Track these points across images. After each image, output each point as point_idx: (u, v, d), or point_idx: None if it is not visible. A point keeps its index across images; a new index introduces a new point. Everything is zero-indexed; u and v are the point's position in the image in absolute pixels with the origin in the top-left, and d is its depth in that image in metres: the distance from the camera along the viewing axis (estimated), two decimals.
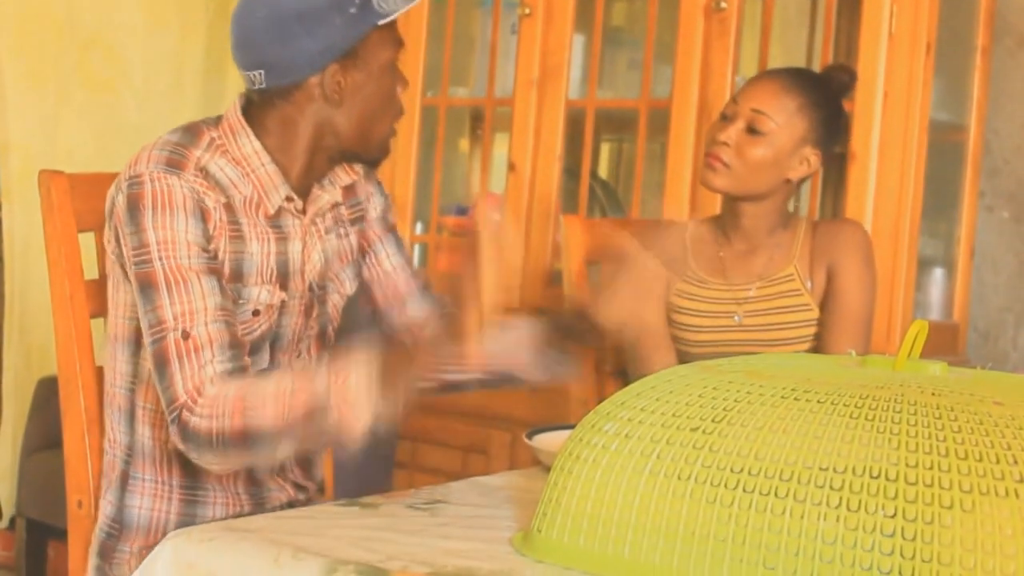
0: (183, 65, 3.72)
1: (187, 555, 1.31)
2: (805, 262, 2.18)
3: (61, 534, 2.28)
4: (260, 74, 1.72)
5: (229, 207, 1.70)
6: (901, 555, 1.08)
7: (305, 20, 1.68)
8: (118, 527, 1.76)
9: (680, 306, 2.20)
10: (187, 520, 1.75)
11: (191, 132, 1.73)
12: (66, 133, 3.47)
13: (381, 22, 1.72)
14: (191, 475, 1.75)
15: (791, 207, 2.23)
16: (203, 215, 1.66)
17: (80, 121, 3.50)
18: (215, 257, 1.66)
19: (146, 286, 1.63)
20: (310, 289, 1.81)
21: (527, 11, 3.04)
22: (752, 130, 2.11)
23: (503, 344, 1.81)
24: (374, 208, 1.94)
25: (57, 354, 1.81)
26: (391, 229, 1.96)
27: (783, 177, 2.14)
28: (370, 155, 1.82)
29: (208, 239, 1.65)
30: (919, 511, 1.08)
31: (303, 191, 1.79)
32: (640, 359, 2.20)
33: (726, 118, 2.16)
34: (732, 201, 2.20)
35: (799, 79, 2.17)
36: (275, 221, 1.75)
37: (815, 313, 2.16)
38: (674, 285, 2.22)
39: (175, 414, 1.58)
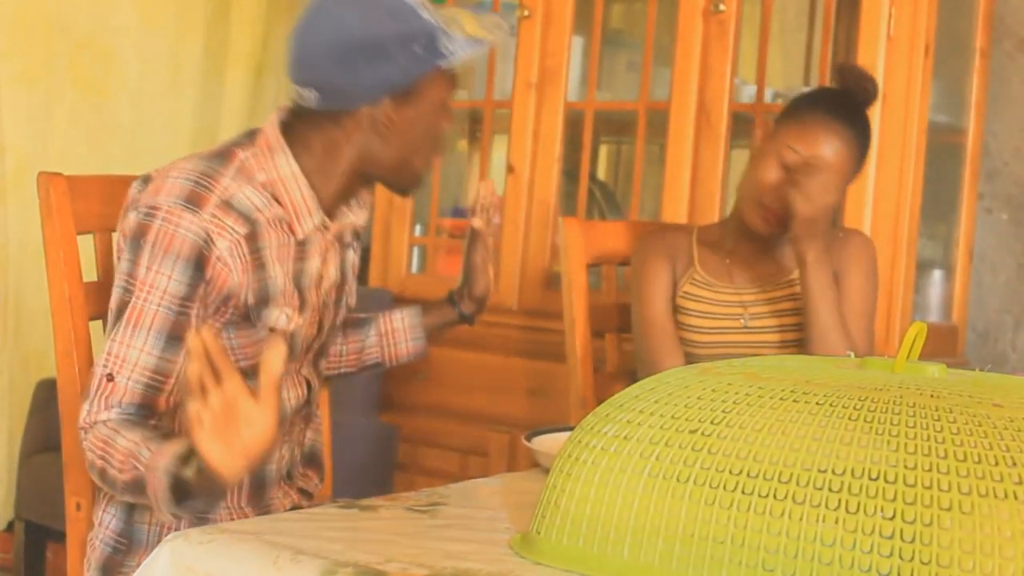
0: (179, 67, 3.72)
1: (186, 557, 1.31)
2: None
3: (60, 536, 2.28)
4: (313, 94, 1.70)
5: (251, 236, 1.68)
6: (900, 557, 1.08)
7: (369, 51, 1.67)
8: (126, 542, 1.74)
9: (687, 307, 2.21)
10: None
11: (222, 157, 1.71)
12: (59, 135, 3.46)
13: (444, 65, 1.70)
14: None
15: None
16: (202, 261, 1.64)
17: (73, 122, 3.50)
18: (186, 312, 1.65)
19: (114, 311, 1.66)
20: (324, 302, 1.82)
21: (526, 13, 3.04)
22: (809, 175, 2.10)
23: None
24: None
25: (56, 356, 1.81)
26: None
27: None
28: (403, 185, 1.82)
29: (196, 287, 1.65)
30: (918, 513, 1.08)
31: (331, 211, 1.78)
32: (649, 359, 2.21)
33: (785, 166, 2.11)
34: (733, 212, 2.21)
35: (847, 119, 2.13)
36: (301, 240, 1.75)
37: None
38: (681, 287, 2.22)
39: (81, 432, 1.64)
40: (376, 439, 3.17)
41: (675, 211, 2.84)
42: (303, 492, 1.88)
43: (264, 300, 1.70)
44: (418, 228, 3.35)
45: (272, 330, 1.72)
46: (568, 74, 3.04)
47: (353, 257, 1.89)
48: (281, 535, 1.32)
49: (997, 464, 1.09)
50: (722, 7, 2.80)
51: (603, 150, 3.67)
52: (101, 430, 1.61)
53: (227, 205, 1.66)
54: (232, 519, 1.77)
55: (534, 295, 3.04)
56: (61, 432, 1.82)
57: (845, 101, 2.17)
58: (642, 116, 2.96)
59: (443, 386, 3.17)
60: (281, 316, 1.72)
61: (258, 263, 1.69)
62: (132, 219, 1.66)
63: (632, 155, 3.11)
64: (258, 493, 1.80)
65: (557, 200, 3.06)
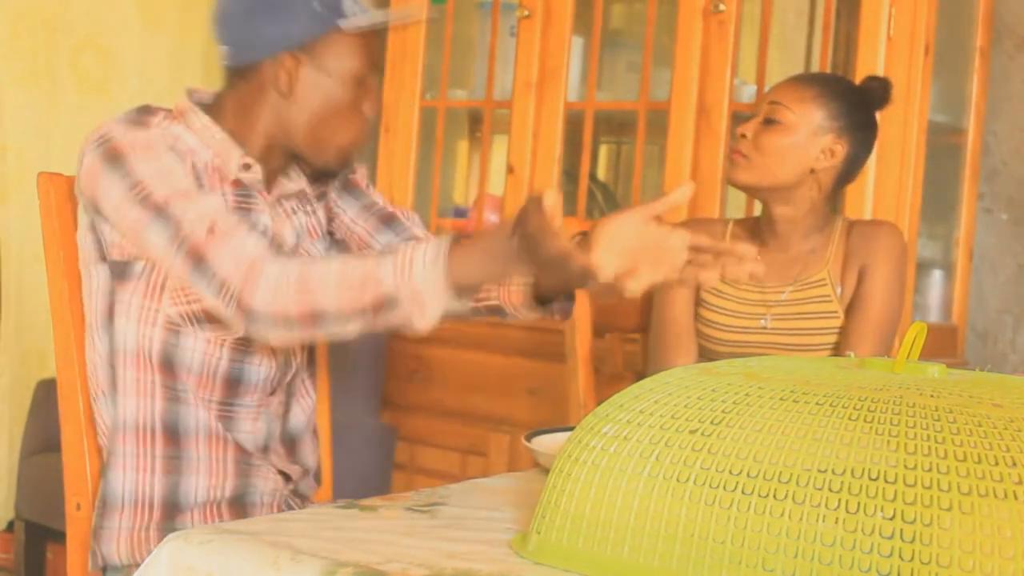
0: (181, 67, 3.72)
1: (185, 557, 1.31)
2: (838, 266, 2.18)
3: (60, 537, 2.28)
4: (226, 50, 1.76)
5: (193, 170, 1.71)
6: (900, 557, 1.08)
7: (272, 4, 1.71)
8: (100, 505, 1.75)
9: (709, 303, 2.21)
10: (171, 493, 1.74)
11: (143, 109, 1.75)
12: (61, 135, 3.47)
13: (343, 24, 1.72)
14: (174, 443, 1.74)
15: (832, 209, 2.23)
16: (180, 156, 1.68)
17: (75, 123, 3.50)
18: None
19: (155, 211, 1.63)
20: None
21: (526, 13, 3.04)
22: (769, 121, 2.13)
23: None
24: (337, 180, 1.93)
25: (55, 356, 1.81)
26: (348, 185, 1.94)
27: (806, 167, 2.13)
28: (322, 162, 1.80)
29: (195, 177, 1.68)
30: (918, 513, 1.08)
31: (267, 178, 1.79)
32: (659, 354, 2.20)
33: (749, 117, 2.18)
34: (766, 203, 2.20)
35: (820, 76, 2.20)
36: (240, 191, 1.76)
37: (841, 321, 2.15)
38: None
39: (231, 297, 1.59)
40: (376, 439, 3.17)
41: (675, 211, 2.84)
42: (284, 476, 1.86)
43: None
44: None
45: None
46: (568, 74, 3.04)
47: (306, 220, 1.87)
48: (281, 535, 1.32)
49: (997, 464, 1.09)
50: (722, 7, 2.80)
51: (603, 150, 3.67)
52: (284, 271, 1.57)
53: (167, 134, 1.71)
54: (211, 471, 1.76)
55: None
56: (61, 432, 1.82)
57: (833, 75, 2.21)
58: (642, 116, 2.96)
59: (443, 386, 3.17)
60: None
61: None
62: (89, 160, 1.68)
63: (632, 155, 3.11)
64: (243, 454, 1.79)
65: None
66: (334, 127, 1.76)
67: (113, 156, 1.65)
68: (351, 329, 1.59)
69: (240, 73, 1.76)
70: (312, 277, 1.57)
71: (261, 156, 1.78)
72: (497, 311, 1.85)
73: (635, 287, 1.49)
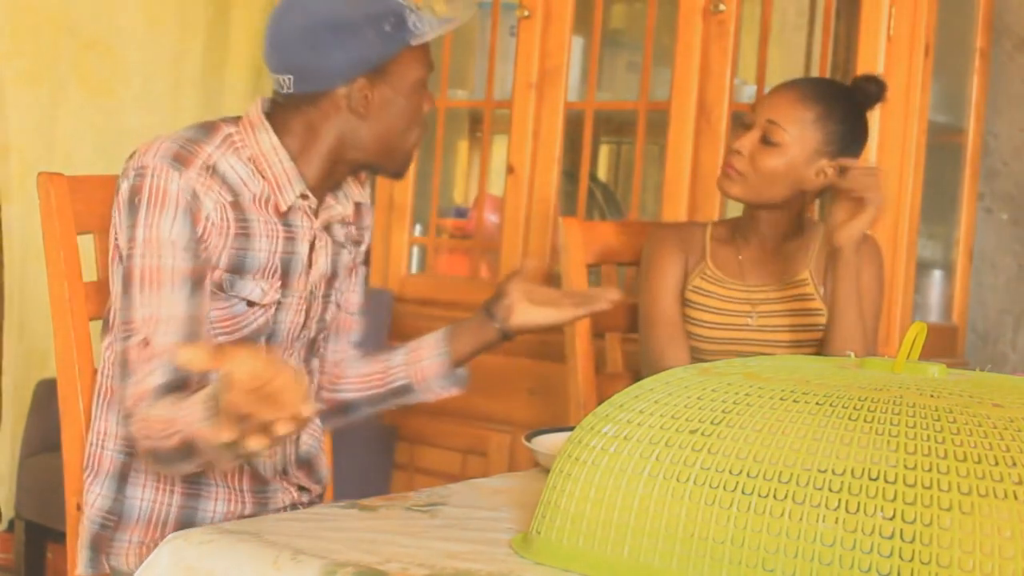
0: (182, 67, 3.72)
1: (186, 557, 1.31)
2: (820, 267, 2.20)
3: (60, 536, 2.29)
4: (289, 79, 1.73)
5: (236, 205, 1.71)
6: (900, 557, 1.08)
7: (339, 31, 1.70)
8: (115, 518, 1.76)
9: (696, 302, 2.21)
10: (188, 513, 1.76)
11: (206, 128, 1.75)
12: (64, 135, 3.47)
13: (414, 42, 1.74)
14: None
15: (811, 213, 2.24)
16: (195, 216, 1.67)
17: (79, 123, 3.50)
18: (199, 256, 1.67)
19: (126, 282, 1.66)
20: (312, 292, 1.82)
21: (526, 13, 3.04)
22: (766, 140, 2.12)
23: (415, 357, 1.96)
24: (367, 240, 1.96)
25: (56, 356, 1.81)
26: (366, 263, 1.98)
27: (798, 188, 2.15)
28: (392, 168, 1.84)
29: (196, 240, 1.67)
30: (918, 513, 1.09)
31: (318, 197, 1.80)
32: (653, 350, 2.21)
33: (746, 126, 2.17)
34: (750, 207, 2.21)
35: (818, 90, 2.16)
36: (287, 219, 1.76)
37: (825, 318, 2.16)
38: (691, 280, 2.22)
39: (127, 418, 1.64)
40: (376, 439, 3.17)
41: (675, 211, 2.84)
42: (300, 488, 1.89)
43: (239, 270, 1.72)
44: (418, 228, 3.35)
45: (250, 304, 1.73)
46: (568, 74, 3.04)
47: (348, 259, 1.90)
48: (281, 535, 1.32)
49: (997, 464, 1.09)
50: (722, 7, 2.80)
51: (603, 150, 3.67)
52: (151, 412, 1.61)
53: (212, 170, 1.70)
54: (229, 499, 1.78)
55: None
56: (61, 432, 1.82)
57: (829, 85, 2.18)
58: (642, 116, 2.96)
59: None
60: (256, 288, 1.73)
61: (242, 232, 1.71)
62: (124, 187, 1.69)
63: (632, 155, 3.11)
64: (259, 480, 1.82)
65: (557, 200, 3.06)
66: (403, 134, 1.80)
67: (131, 198, 1.67)
68: (199, 465, 1.63)
69: (306, 98, 1.75)
70: (168, 418, 1.59)
71: (320, 178, 1.79)
72: (403, 392, 1.97)
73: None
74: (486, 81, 3.19)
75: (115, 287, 1.72)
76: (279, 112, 1.77)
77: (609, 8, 3.38)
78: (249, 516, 1.79)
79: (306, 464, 1.91)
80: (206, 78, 3.77)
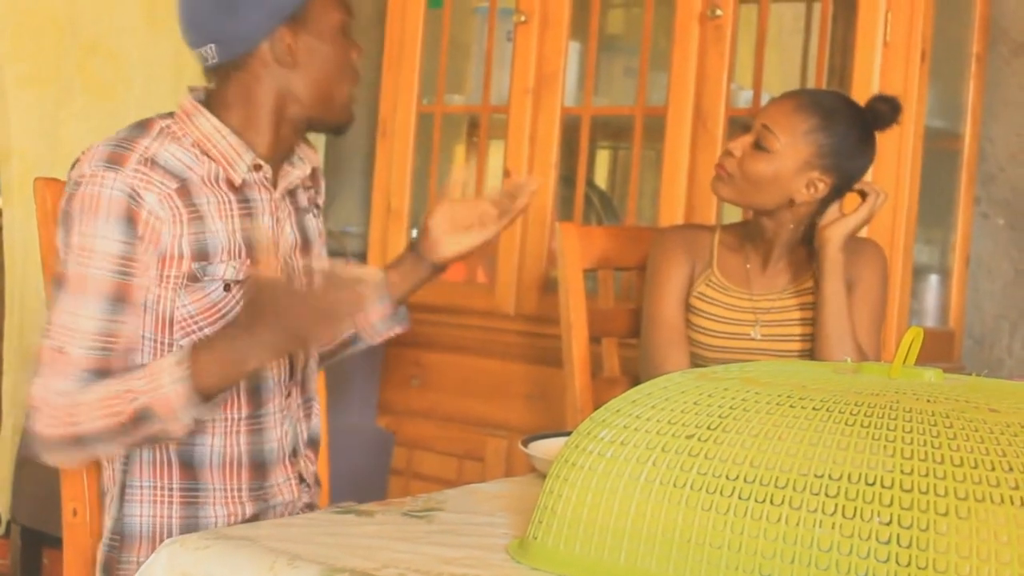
0: (184, 69, 3.72)
1: (183, 563, 1.31)
2: None
3: (56, 542, 2.28)
4: (212, 48, 1.76)
5: (183, 191, 1.71)
6: (897, 562, 1.08)
7: None
8: (119, 538, 1.75)
9: (700, 309, 2.21)
10: (190, 523, 1.75)
11: (141, 125, 1.76)
12: (67, 138, 3.46)
13: None
14: (191, 476, 1.75)
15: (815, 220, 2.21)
16: (131, 217, 1.66)
17: (81, 126, 3.50)
18: (128, 273, 1.67)
19: (56, 285, 1.68)
20: (288, 264, 1.82)
21: (523, 18, 3.04)
22: (758, 145, 2.12)
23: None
24: (321, 199, 1.97)
25: None
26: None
27: (786, 197, 2.13)
28: (334, 120, 1.84)
29: (131, 252, 1.67)
30: (914, 518, 1.09)
31: (273, 167, 1.81)
32: (653, 353, 2.20)
33: (746, 128, 2.17)
34: (752, 213, 2.22)
35: (820, 102, 2.13)
36: (242, 195, 1.77)
37: None
38: (696, 286, 2.22)
39: (35, 411, 1.67)
40: (373, 444, 3.17)
41: (672, 216, 2.85)
42: (302, 481, 1.88)
43: (203, 255, 1.72)
44: (415, 233, 3.35)
45: (227, 288, 1.74)
46: (565, 79, 3.04)
47: (317, 223, 1.91)
48: (278, 541, 1.32)
49: (993, 469, 1.10)
50: (719, 12, 2.80)
51: (600, 155, 3.67)
52: (58, 402, 1.63)
53: (151, 162, 1.70)
54: (227, 501, 1.77)
55: (531, 300, 3.04)
56: None
57: (832, 99, 2.17)
58: (639, 121, 2.97)
59: (440, 391, 3.17)
60: (228, 268, 1.73)
61: (195, 216, 1.71)
62: (64, 197, 1.70)
63: (629, 160, 3.11)
64: (260, 473, 1.81)
65: (554, 205, 3.06)
66: (337, 82, 1.81)
67: (67, 208, 1.68)
68: (117, 447, 1.67)
69: (233, 65, 1.77)
70: (79, 403, 1.63)
71: (270, 145, 1.79)
72: (352, 342, 2.02)
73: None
74: (483, 86, 3.19)
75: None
76: (212, 95, 1.79)
77: (606, 13, 3.38)
78: (252, 517, 1.79)
79: (312, 442, 1.92)
80: (204, 79, 3.76)
